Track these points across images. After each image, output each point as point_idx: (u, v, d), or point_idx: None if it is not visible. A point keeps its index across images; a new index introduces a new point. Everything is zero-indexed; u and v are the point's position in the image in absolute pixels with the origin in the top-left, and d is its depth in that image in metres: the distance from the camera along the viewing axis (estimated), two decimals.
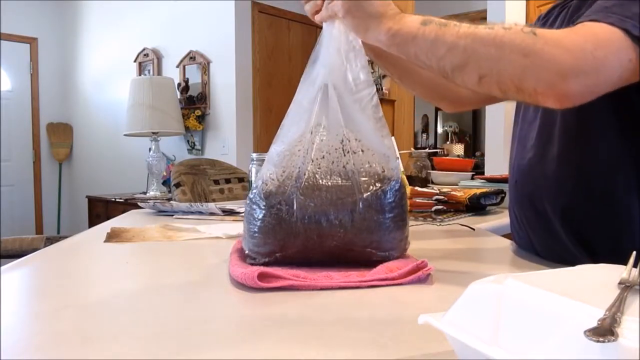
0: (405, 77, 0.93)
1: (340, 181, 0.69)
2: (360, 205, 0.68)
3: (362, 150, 0.71)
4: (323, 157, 0.70)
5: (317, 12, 0.74)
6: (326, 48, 0.73)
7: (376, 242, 0.69)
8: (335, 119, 0.71)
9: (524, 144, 0.82)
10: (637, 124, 0.69)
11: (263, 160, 1.49)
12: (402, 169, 0.73)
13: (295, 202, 0.68)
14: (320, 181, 0.69)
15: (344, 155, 0.70)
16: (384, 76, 4.68)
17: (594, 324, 0.28)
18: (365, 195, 0.68)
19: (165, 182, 3.67)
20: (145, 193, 3.85)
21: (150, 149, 3.74)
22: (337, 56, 0.72)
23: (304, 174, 0.69)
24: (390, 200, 0.70)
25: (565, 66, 0.57)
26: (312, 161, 0.70)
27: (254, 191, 0.71)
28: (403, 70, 0.92)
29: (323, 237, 0.68)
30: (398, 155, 0.73)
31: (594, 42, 0.58)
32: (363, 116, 0.71)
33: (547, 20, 0.84)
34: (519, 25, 0.61)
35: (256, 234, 0.70)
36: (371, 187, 0.69)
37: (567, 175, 0.74)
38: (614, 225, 0.71)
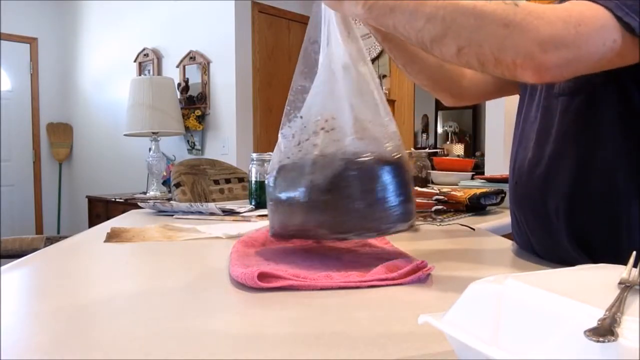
0: (409, 63, 0.92)
1: (302, 162, 0.72)
2: (304, 186, 0.70)
3: (334, 129, 0.70)
4: (307, 140, 0.71)
5: None
6: (312, 27, 0.75)
7: (328, 223, 0.69)
8: (319, 99, 0.72)
9: (525, 145, 0.82)
10: (637, 122, 0.69)
11: (263, 160, 1.51)
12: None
13: (274, 184, 0.74)
14: (294, 163, 0.72)
15: (316, 136, 0.71)
16: (384, 76, 4.68)
17: (594, 324, 0.28)
18: (310, 175, 0.69)
19: (165, 182, 3.68)
20: (145, 193, 3.86)
21: (150, 149, 3.75)
22: (323, 36, 0.73)
23: (288, 158, 0.73)
24: (339, 180, 0.68)
25: (546, 37, 0.56)
26: (299, 143, 0.72)
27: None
28: (408, 57, 0.91)
29: (293, 216, 0.73)
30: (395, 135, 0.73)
31: (578, 17, 0.57)
32: (345, 92, 0.71)
33: None
34: None
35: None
36: (325, 168, 0.69)
37: (566, 175, 0.74)
38: (614, 226, 0.71)
